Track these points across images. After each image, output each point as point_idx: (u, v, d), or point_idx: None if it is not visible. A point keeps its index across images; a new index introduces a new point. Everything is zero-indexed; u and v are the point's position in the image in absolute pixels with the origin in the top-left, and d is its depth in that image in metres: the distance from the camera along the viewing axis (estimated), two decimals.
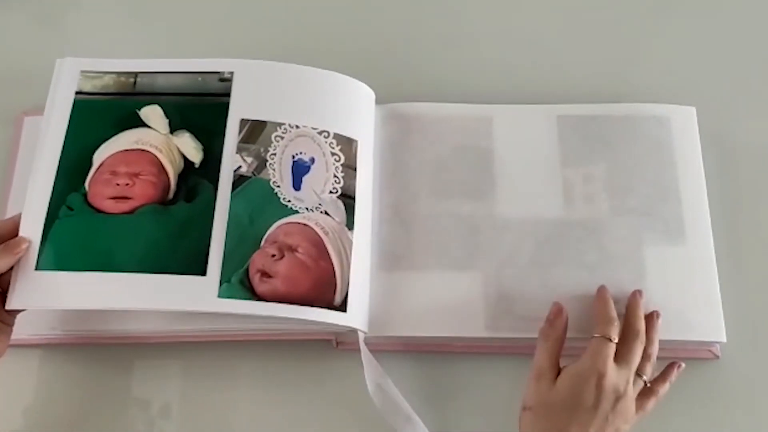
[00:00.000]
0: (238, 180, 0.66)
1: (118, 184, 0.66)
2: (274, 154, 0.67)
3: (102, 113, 0.69)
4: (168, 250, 0.64)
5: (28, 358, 0.67)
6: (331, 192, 0.67)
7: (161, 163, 0.67)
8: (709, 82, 0.77)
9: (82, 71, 0.69)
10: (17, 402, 0.67)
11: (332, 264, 0.65)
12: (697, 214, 0.69)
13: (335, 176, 0.67)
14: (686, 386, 0.65)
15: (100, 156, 0.67)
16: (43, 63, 0.70)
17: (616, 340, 0.61)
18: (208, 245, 0.64)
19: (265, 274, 0.63)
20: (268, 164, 0.67)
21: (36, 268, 0.63)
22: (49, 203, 0.65)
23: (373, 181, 0.70)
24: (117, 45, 0.82)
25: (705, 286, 0.67)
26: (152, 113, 0.69)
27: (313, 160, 0.67)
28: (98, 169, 0.67)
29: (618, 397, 0.58)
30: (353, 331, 0.65)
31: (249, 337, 0.67)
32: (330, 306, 0.64)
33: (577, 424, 0.57)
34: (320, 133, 0.68)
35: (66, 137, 0.67)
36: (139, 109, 0.68)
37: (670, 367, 0.64)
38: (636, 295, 0.65)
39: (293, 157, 0.67)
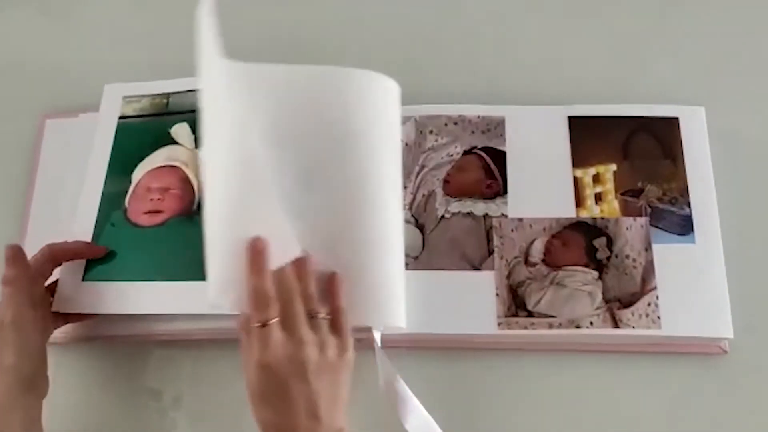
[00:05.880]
0: None
1: (151, 200, 0.72)
2: None
3: (140, 134, 0.74)
4: (194, 258, 0.64)
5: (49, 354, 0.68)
6: None
7: (188, 177, 0.72)
8: (718, 82, 0.77)
9: (125, 97, 0.75)
10: None
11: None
12: (706, 213, 0.70)
13: None
14: (695, 381, 0.66)
15: (137, 175, 0.73)
16: (57, 61, 0.70)
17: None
18: None
19: None
20: None
21: (83, 279, 0.69)
22: (96, 222, 0.71)
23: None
24: (125, 39, 0.83)
25: (713, 282, 0.67)
26: (181, 130, 0.74)
27: None
28: (136, 186, 0.73)
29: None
30: (368, 328, 0.65)
31: None
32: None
33: None
34: None
35: (110, 160, 0.73)
36: (170, 128, 0.74)
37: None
38: None
39: None
